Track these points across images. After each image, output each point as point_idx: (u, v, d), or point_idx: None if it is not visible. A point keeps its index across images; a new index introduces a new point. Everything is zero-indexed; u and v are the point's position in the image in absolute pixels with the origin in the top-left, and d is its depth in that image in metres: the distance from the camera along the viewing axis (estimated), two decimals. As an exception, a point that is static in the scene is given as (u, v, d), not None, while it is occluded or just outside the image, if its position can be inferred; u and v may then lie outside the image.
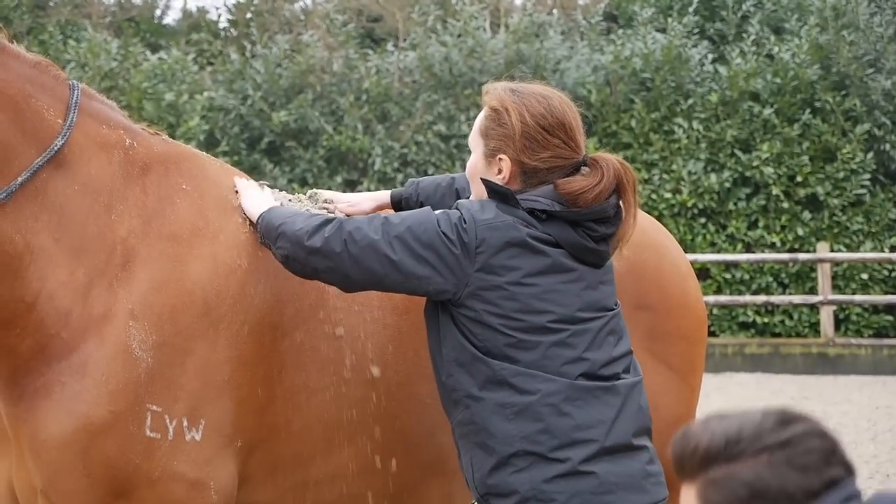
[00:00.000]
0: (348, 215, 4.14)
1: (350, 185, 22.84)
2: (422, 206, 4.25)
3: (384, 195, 4.55)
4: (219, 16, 35.56)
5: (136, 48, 25.77)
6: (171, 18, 35.45)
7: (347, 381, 3.80)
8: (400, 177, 22.60)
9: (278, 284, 3.76)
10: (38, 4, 30.78)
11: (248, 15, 32.27)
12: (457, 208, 3.78)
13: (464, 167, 4.34)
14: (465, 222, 3.70)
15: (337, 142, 23.23)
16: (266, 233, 3.77)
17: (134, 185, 3.53)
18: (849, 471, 2.42)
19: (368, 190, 20.36)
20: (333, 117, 23.78)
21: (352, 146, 23.24)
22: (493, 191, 3.79)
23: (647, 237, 4.28)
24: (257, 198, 3.96)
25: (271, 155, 23.57)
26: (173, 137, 16.89)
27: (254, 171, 22.91)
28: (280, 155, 23.60)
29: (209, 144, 23.16)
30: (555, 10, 27.98)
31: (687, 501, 2.43)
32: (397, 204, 4.46)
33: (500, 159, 3.85)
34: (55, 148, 3.40)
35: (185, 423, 3.30)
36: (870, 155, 22.70)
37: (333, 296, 3.88)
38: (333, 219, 3.77)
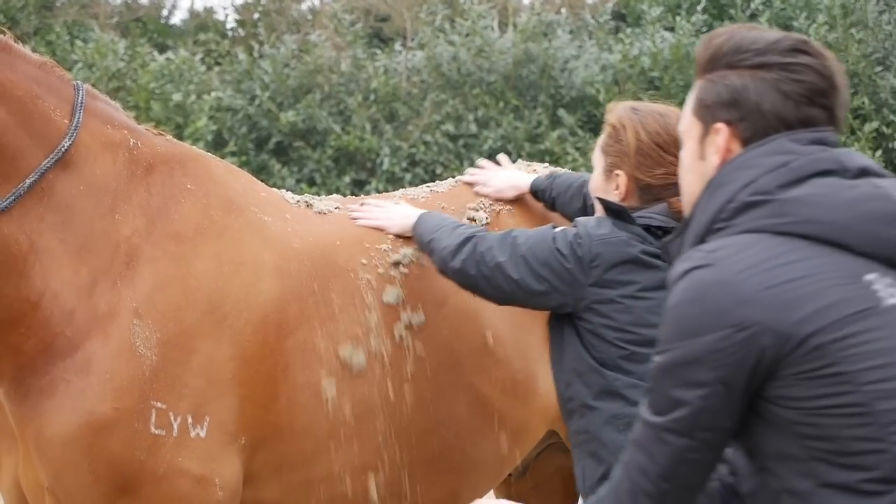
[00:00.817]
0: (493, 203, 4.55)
1: (358, 185, 22.85)
2: (553, 201, 4.58)
3: (524, 183, 4.75)
4: (226, 16, 35.75)
5: (143, 48, 25.77)
6: (178, 19, 35.54)
7: (351, 380, 3.83)
8: (408, 176, 22.59)
9: (281, 283, 3.79)
10: (44, 5, 30.81)
11: (256, 15, 32.32)
12: (575, 225, 3.98)
13: (472, 166, 4.45)
14: (581, 238, 3.90)
15: (345, 142, 23.22)
16: (419, 245, 4.13)
17: (138, 185, 3.56)
18: (830, 120, 2.58)
19: (377, 191, 20.36)
20: (341, 117, 23.78)
21: (360, 146, 23.25)
22: (608, 208, 3.96)
23: None
24: (401, 209, 4.23)
25: (279, 155, 23.57)
26: (181, 138, 16.99)
27: (262, 172, 22.92)
28: (288, 155, 23.60)
29: (217, 145, 23.17)
30: (563, 10, 27.97)
31: (690, 95, 2.73)
32: (533, 194, 4.74)
33: (616, 175, 4.04)
34: (62, 149, 3.42)
35: (190, 421, 3.33)
36: (878, 153, 22.65)
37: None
38: (473, 236, 4.00)
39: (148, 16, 33.42)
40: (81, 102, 3.58)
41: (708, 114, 2.67)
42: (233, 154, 22.94)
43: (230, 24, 34.28)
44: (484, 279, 3.93)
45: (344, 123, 23.57)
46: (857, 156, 2.65)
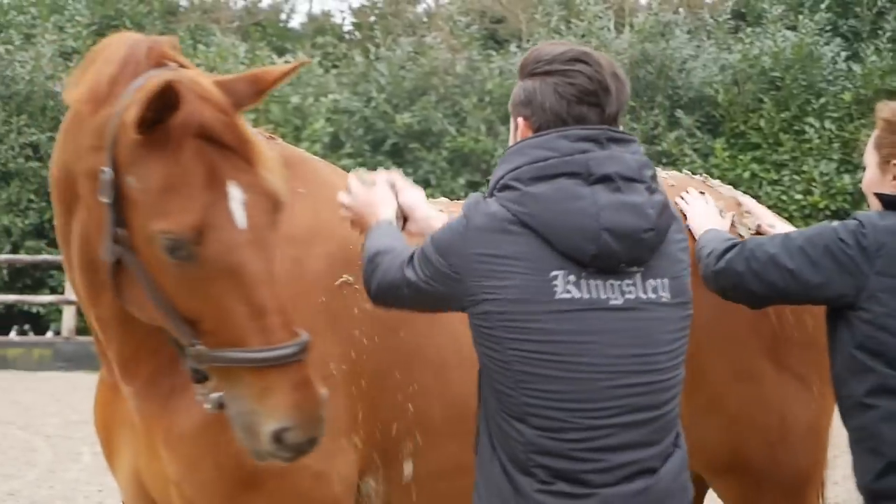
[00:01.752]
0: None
1: (473, 187, 22.89)
2: None
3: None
4: (343, 19, 36.06)
5: (262, 52, 26.11)
6: (296, 22, 35.95)
7: (453, 379, 3.83)
8: (524, 178, 22.56)
9: None
10: (168, 10, 31.33)
11: (372, 18, 32.56)
12: (855, 218, 3.81)
13: None
14: (865, 228, 3.73)
15: (460, 143, 23.30)
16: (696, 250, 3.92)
17: None
18: (602, 117, 3.09)
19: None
20: (456, 119, 23.86)
21: (475, 147, 23.30)
22: (887, 202, 3.85)
23: None
24: (703, 215, 4.13)
25: (395, 157, 23.68)
26: (299, 140, 17.17)
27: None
28: (403, 156, 23.72)
29: (333, 147, 23.39)
30: (681, 9, 27.70)
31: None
32: None
33: (893, 164, 3.93)
34: None
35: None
36: None
37: None
38: (739, 243, 3.87)
39: (267, 20, 33.80)
40: None
41: (514, 111, 3.19)
42: (349, 156, 23.15)
43: (347, 27, 34.58)
44: (753, 275, 3.72)
45: (459, 125, 23.68)
46: (608, 163, 3.02)
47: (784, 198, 22.53)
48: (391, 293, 3.26)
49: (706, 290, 3.94)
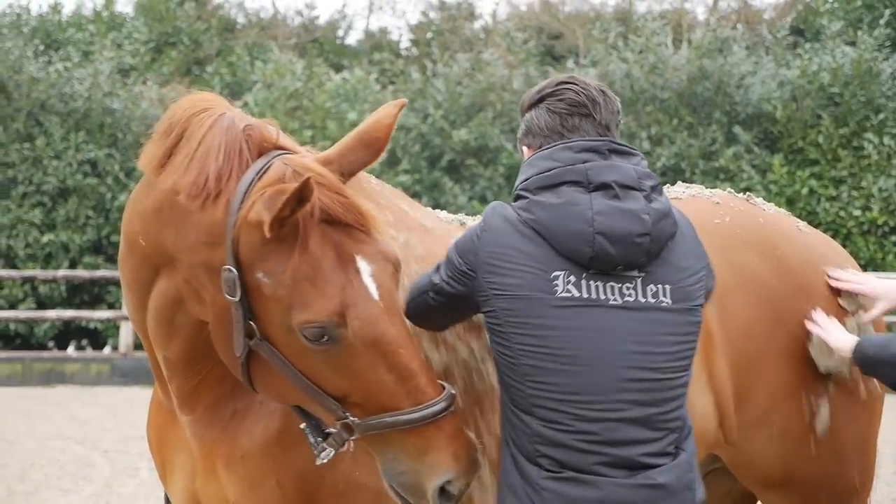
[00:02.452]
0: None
1: (530, 203, 22.84)
2: None
3: None
4: (400, 35, 36.11)
5: (319, 68, 26.20)
6: (353, 39, 36.00)
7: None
8: (580, 194, 22.54)
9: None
10: (226, 27, 31.55)
11: (429, 34, 32.62)
12: None
13: None
14: None
15: (516, 159, 23.27)
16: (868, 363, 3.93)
17: None
18: (598, 127, 3.33)
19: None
20: (513, 135, 23.84)
21: (532, 164, 23.26)
22: None
23: (819, 258, 4.28)
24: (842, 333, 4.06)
25: (451, 173, 23.73)
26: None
27: (434, 189, 23.15)
28: (460, 173, 23.76)
29: (391, 163, 23.43)
30: (739, 25, 27.63)
31: None
32: None
33: None
34: None
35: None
36: None
37: None
38: None
39: (324, 37, 33.97)
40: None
41: (520, 144, 3.48)
42: (406, 172, 23.20)
43: (404, 43, 34.71)
44: None
45: (516, 141, 23.46)
46: (607, 172, 3.22)
47: (842, 214, 22.38)
48: (422, 304, 3.42)
49: (757, 305, 3.94)
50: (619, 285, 3.14)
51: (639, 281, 3.16)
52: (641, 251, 3.14)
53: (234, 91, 25.39)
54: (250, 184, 3.14)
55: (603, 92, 3.38)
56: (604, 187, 3.17)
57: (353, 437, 3.13)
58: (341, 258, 3.11)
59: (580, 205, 3.14)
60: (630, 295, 3.15)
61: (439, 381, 3.17)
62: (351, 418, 3.10)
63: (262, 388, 3.25)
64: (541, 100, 3.34)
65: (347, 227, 3.17)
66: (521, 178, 3.31)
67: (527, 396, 3.13)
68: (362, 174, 3.92)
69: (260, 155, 3.22)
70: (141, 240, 3.35)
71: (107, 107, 24.13)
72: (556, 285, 3.11)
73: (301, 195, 2.98)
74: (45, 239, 23.50)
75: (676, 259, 3.22)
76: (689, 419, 3.27)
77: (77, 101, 24.08)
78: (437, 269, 3.34)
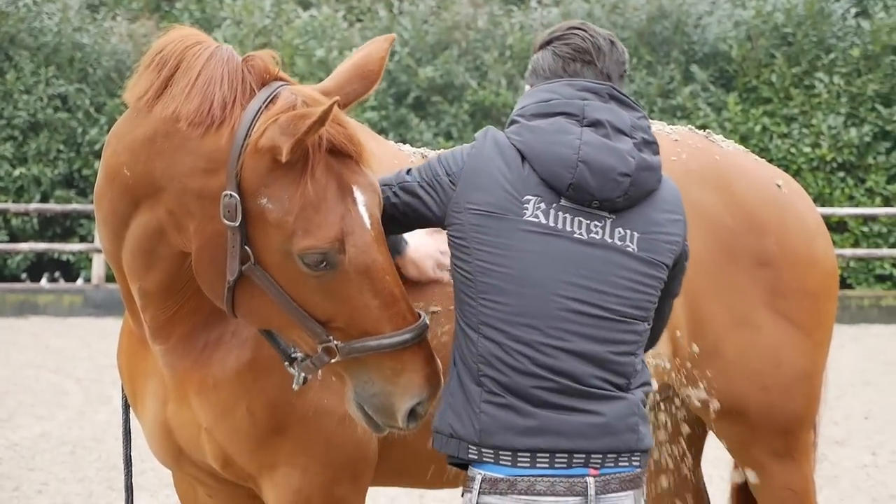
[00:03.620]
0: None
1: (493, 139, 22.83)
2: None
3: None
4: (367, -27, 35.74)
5: (288, 6, 25.98)
6: (321, -24, 35.60)
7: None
8: (541, 131, 22.54)
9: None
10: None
11: (396, -28, 32.35)
12: None
13: None
14: None
15: (481, 97, 23.27)
16: None
17: None
18: (599, 74, 3.28)
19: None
20: (478, 73, 23.82)
21: (495, 101, 23.28)
22: None
23: (772, 195, 4.27)
24: None
25: (417, 110, 23.68)
26: (323, 93, 16.91)
27: (400, 126, 23.10)
28: (426, 110, 23.71)
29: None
30: (697, -34, 27.55)
31: None
32: None
33: None
34: None
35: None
36: None
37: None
38: None
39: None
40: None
41: (526, 82, 3.42)
42: (373, 108, 23.10)
43: (371, -19, 34.45)
44: None
45: (480, 79, 23.61)
46: (603, 111, 3.20)
47: (793, 150, 22.50)
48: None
49: (709, 241, 3.95)
50: (588, 222, 3.12)
51: (608, 222, 3.14)
52: (619, 190, 3.12)
53: (203, 27, 24.46)
54: (257, 112, 3.12)
55: (612, 42, 3.31)
56: (597, 124, 3.16)
57: (333, 360, 3.13)
58: (341, 188, 3.12)
59: (571, 134, 3.13)
60: (597, 233, 3.13)
61: (416, 309, 3.17)
62: (334, 342, 3.10)
63: (244, 312, 3.23)
64: (549, 42, 3.30)
65: (346, 158, 3.17)
66: (518, 105, 3.29)
67: (477, 314, 3.11)
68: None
69: (263, 85, 3.20)
70: (126, 170, 3.30)
71: (76, 41, 23.98)
72: (526, 209, 3.09)
73: (324, 119, 2.99)
74: (16, 172, 23.37)
75: (653, 214, 3.20)
76: (647, 370, 3.25)
77: (47, 36, 23.91)
78: (408, 171, 3.30)
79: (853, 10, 23.47)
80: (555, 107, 3.19)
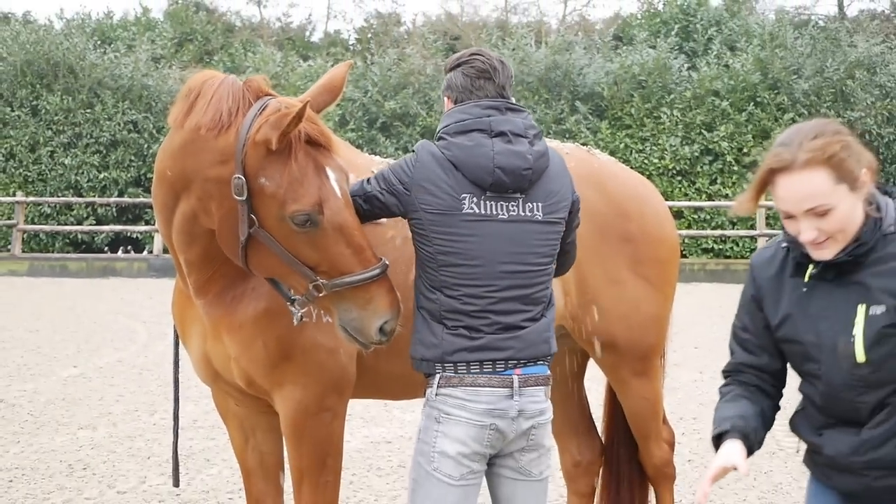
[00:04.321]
0: None
1: (437, 153, 22.83)
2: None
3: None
4: (349, 35, 35.57)
5: (292, 58, 25.88)
6: (316, 37, 35.46)
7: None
8: (471, 147, 22.54)
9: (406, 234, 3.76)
10: (228, 29, 30.94)
11: (369, 35, 32.22)
12: None
13: None
14: None
15: (429, 122, 23.20)
16: None
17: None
18: (499, 90, 3.19)
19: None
20: (427, 105, 23.74)
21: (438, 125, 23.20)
22: None
23: (635, 190, 4.25)
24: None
25: (384, 131, 23.60)
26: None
27: (372, 143, 22.99)
28: (390, 131, 23.63)
29: (341, 124, 23.26)
30: (579, 33, 27.63)
31: None
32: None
33: None
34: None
35: (322, 312, 3.35)
36: (796, 134, 22.41)
37: (402, 223, 3.84)
38: None
39: (296, 35, 33.40)
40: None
41: (443, 94, 3.29)
42: (352, 130, 23.01)
43: (352, 41, 34.23)
44: None
45: (428, 109, 23.52)
46: (504, 123, 3.13)
47: (646, 162, 22.64)
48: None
49: (589, 224, 3.91)
50: (507, 204, 3.11)
51: (520, 201, 3.12)
52: (525, 180, 3.11)
53: (232, 73, 25.00)
54: (254, 116, 3.10)
55: (502, 62, 3.27)
56: (501, 134, 3.12)
57: (321, 294, 3.09)
58: (317, 168, 3.08)
59: (485, 146, 3.09)
60: (514, 211, 3.12)
61: (378, 256, 3.14)
62: (321, 280, 3.07)
63: (254, 265, 3.19)
64: (458, 65, 3.24)
65: (320, 146, 3.13)
66: (441, 124, 3.23)
67: (438, 280, 3.10)
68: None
69: (257, 99, 3.17)
70: (168, 171, 3.25)
71: (144, 84, 23.81)
72: (464, 204, 3.07)
73: (301, 116, 2.97)
74: (101, 176, 23.21)
75: (548, 184, 3.17)
76: (553, 296, 3.25)
77: (123, 80, 23.71)
78: (369, 181, 3.22)
79: (686, 65, 23.69)
80: (469, 125, 3.13)
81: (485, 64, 3.22)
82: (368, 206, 3.21)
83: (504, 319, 3.09)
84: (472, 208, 3.09)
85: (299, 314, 3.18)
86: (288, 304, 3.21)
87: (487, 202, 3.10)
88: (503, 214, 3.12)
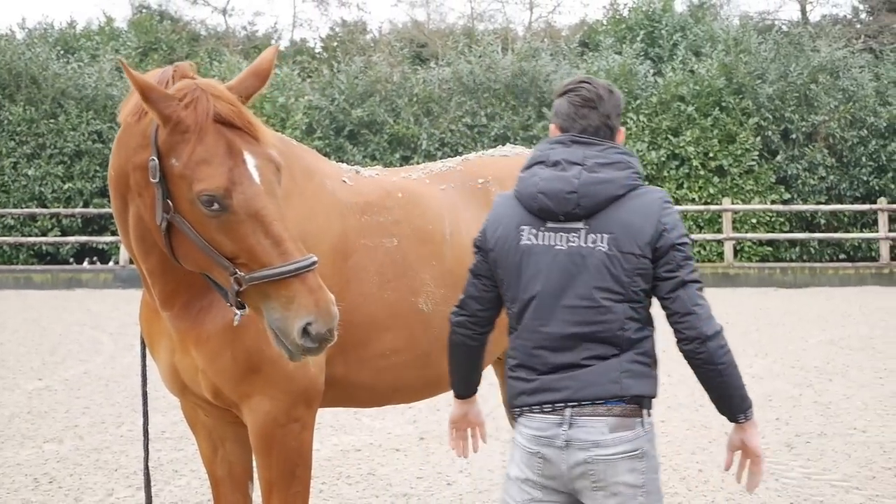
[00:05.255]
0: None
1: (405, 160, 22.82)
2: None
3: None
4: (315, 44, 35.47)
5: (258, 67, 25.67)
6: (282, 45, 35.33)
7: (387, 290, 3.76)
8: (439, 154, 22.56)
9: (343, 223, 3.74)
10: (192, 38, 30.76)
11: (335, 43, 32.14)
12: None
13: (482, 148, 4.29)
14: None
15: (396, 130, 23.18)
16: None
17: None
18: (601, 118, 3.09)
19: (417, 162, 20.35)
20: (393, 113, 23.72)
21: (406, 133, 23.20)
22: None
23: None
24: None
25: (351, 139, 23.55)
26: (283, 129, 17.05)
27: (339, 151, 22.93)
28: (357, 139, 23.58)
29: (308, 132, 23.18)
30: (545, 39, 27.73)
31: None
32: None
33: None
34: None
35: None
36: (758, 138, 22.65)
37: (374, 232, 3.83)
38: None
39: (262, 44, 33.25)
40: None
41: (552, 120, 3.23)
42: (319, 138, 22.93)
43: (318, 49, 34.15)
44: None
45: (395, 117, 23.52)
46: (562, 153, 3.04)
47: (613, 167, 22.71)
48: (467, 285, 3.21)
49: None
50: (567, 235, 2.95)
51: (583, 232, 2.96)
52: (571, 204, 2.95)
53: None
54: None
55: (610, 90, 3.14)
56: (556, 163, 3.02)
57: (242, 289, 2.97)
58: (231, 150, 2.99)
59: (537, 175, 3.02)
60: (574, 242, 2.95)
61: (306, 251, 3.01)
62: (239, 273, 2.96)
63: (180, 255, 3.10)
64: (565, 92, 3.12)
65: (240, 131, 3.03)
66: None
67: (509, 321, 3.04)
68: (297, 144, 3.82)
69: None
70: (112, 171, 3.22)
71: (108, 94, 23.62)
72: (521, 235, 3.00)
73: (142, 95, 2.94)
74: (66, 186, 23.00)
75: (623, 216, 2.97)
76: (647, 335, 2.99)
77: (87, 90, 23.55)
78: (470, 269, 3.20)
79: (651, 71, 23.83)
80: (533, 159, 3.07)
81: (590, 92, 3.11)
82: (478, 284, 3.13)
83: (558, 358, 2.94)
84: (529, 239, 3.00)
85: (240, 314, 3.07)
86: (227, 303, 3.11)
87: (546, 233, 3.00)
88: (561, 245, 2.98)
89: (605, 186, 2.97)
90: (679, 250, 2.96)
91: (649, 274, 2.94)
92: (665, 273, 2.94)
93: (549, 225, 2.98)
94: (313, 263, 2.96)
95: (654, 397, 2.97)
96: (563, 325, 2.93)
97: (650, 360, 2.97)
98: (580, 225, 2.96)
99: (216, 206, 2.93)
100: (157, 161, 3.00)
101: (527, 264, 2.98)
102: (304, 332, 2.92)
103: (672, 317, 2.93)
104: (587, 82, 3.15)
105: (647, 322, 2.99)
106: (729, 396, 2.95)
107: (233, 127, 3.02)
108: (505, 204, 3.09)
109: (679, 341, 2.91)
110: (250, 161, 3.00)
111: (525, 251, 2.99)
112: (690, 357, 2.92)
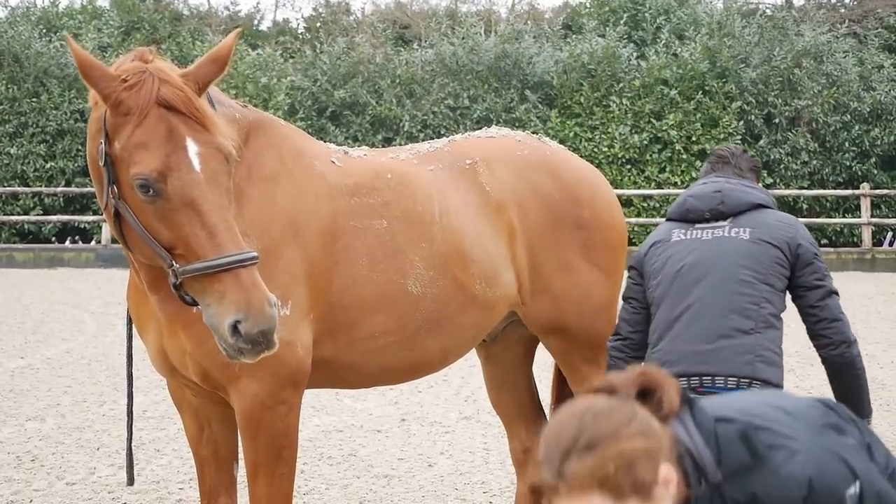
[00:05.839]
0: None
1: (387, 142, 22.77)
2: None
3: None
4: (298, 24, 35.30)
5: (241, 47, 25.47)
6: (265, 26, 35.16)
7: (376, 272, 3.73)
8: (422, 136, 22.52)
9: (332, 205, 3.70)
10: (175, 17, 30.50)
11: (318, 24, 31.98)
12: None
13: (465, 130, 4.29)
14: None
15: (378, 111, 23.12)
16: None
17: (243, 145, 3.49)
18: (731, 167, 3.64)
19: (399, 144, 20.31)
20: (376, 94, 23.64)
21: (388, 114, 23.14)
22: None
23: (585, 179, 4.26)
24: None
25: (333, 120, 23.46)
26: (266, 109, 16.98)
27: (321, 132, 22.84)
28: (339, 120, 23.50)
29: (291, 113, 23.07)
30: (528, 21, 27.67)
31: None
32: None
33: None
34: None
35: (279, 303, 3.25)
36: (741, 122, 22.68)
37: (364, 214, 3.80)
38: None
39: (245, 24, 33.03)
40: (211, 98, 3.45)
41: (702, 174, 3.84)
42: (301, 119, 22.83)
43: (301, 29, 33.97)
44: None
45: (378, 98, 23.45)
46: (705, 180, 3.58)
47: (595, 150, 22.74)
48: (622, 311, 3.63)
49: (543, 210, 3.98)
50: (712, 229, 3.41)
51: (728, 225, 3.39)
52: (714, 200, 3.41)
53: (180, 64, 24.48)
54: None
55: (743, 151, 3.71)
56: (703, 183, 3.56)
57: (177, 281, 2.91)
58: (172, 135, 2.92)
59: (685, 196, 3.56)
60: (718, 233, 3.38)
61: (246, 245, 2.94)
62: (175, 265, 2.90)
63: (131, 245, 3.06)
64: (708, 154, 3.80)
65: (187, 118, 2.95)
66: None
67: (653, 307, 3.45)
68: (285, 124, 3.78)
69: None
70: (89, 158, 3.18)
71: (90, 72, 23.42)
72: (672, 235, 3.46)
73: (85, 76, 2.92)
74: (48, 165, 22.90)
75: (762, 218, 3.39)
76: (774, 323, 3.31)
77: (70, 69, 23.29)
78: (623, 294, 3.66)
79: (635, 54, 23.79)
80: (683, 195, 3.59)
81: (724, 151, 3.68)
82: (624, 295, 3.57)
83: (695, 330, 3.24)
84: (679, 237, 3.46)
85: (195, 309, 3.01)
86: (183, 299, 3.03)
87: (694, 231, 3.43)
88: (707, 236, 3.41)
89: (746, 193, 3.46)
90: (821, 261, 3.36)
91: (785, 270, 3.28)
92: (815, 281, 3.27)
93: (698, 226, 3.41)
94: (251, 259, 2.88)
95: (781, 386, 3.19)
96: (707, 306, 3.25)
97: (780, 352, 3.24)
98: (724, 223, 3.41)
99: (151, 191, 2.88)
100: (105, 145, 2.97)
101: (675, 252, 3.37)
102: (235, 330, 2.84)
103: (820, 323, 3.24)
104: (723, 151, 3.67)
105: (779, 316, 3.28)
106: (860, 399, 3.22)
107: (179, 113, 2.95)
108: (660, 227, 3.55)
109: (826, 346, 3.23)
110: (192, 148, 2.93)
111: (675, 244, 3.40)
112: (837, 359, 3.22)
